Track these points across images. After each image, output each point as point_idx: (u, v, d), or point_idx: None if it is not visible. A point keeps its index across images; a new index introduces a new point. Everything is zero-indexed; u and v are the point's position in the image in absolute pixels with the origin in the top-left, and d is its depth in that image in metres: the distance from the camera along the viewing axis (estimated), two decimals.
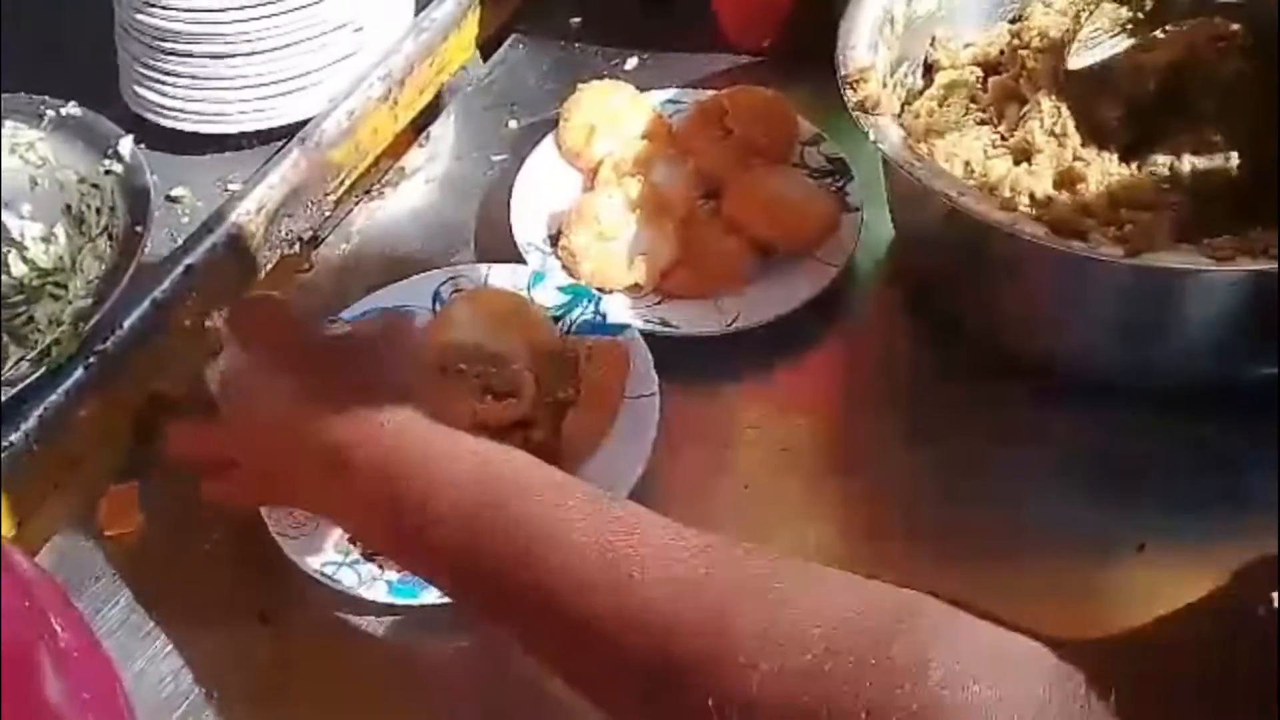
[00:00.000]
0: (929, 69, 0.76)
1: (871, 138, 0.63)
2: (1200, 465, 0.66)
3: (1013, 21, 0.77)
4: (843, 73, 0.66)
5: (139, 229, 0.73)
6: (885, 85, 0.69)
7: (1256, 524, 0.62)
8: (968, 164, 0.70)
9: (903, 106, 0.74)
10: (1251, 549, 0.61)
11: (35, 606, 0.46)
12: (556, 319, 0.72)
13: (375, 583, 0.61)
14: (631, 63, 0.93)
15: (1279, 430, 0.63)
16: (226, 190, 0.82)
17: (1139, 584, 0.62)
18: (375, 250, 0.81)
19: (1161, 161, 0.67)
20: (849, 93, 0.65)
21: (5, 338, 0.71)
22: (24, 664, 0.44)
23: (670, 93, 0.86)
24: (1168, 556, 0.62)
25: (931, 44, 0.77)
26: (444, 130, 0.90)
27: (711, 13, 0.92)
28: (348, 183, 0.85)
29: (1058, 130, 0.69)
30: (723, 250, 0.76)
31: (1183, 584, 0.60)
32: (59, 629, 0.46)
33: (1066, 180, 0.67)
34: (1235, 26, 0.72)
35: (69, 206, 0.77)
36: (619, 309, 0.72)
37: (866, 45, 0.69)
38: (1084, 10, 0.75)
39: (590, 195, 0.78)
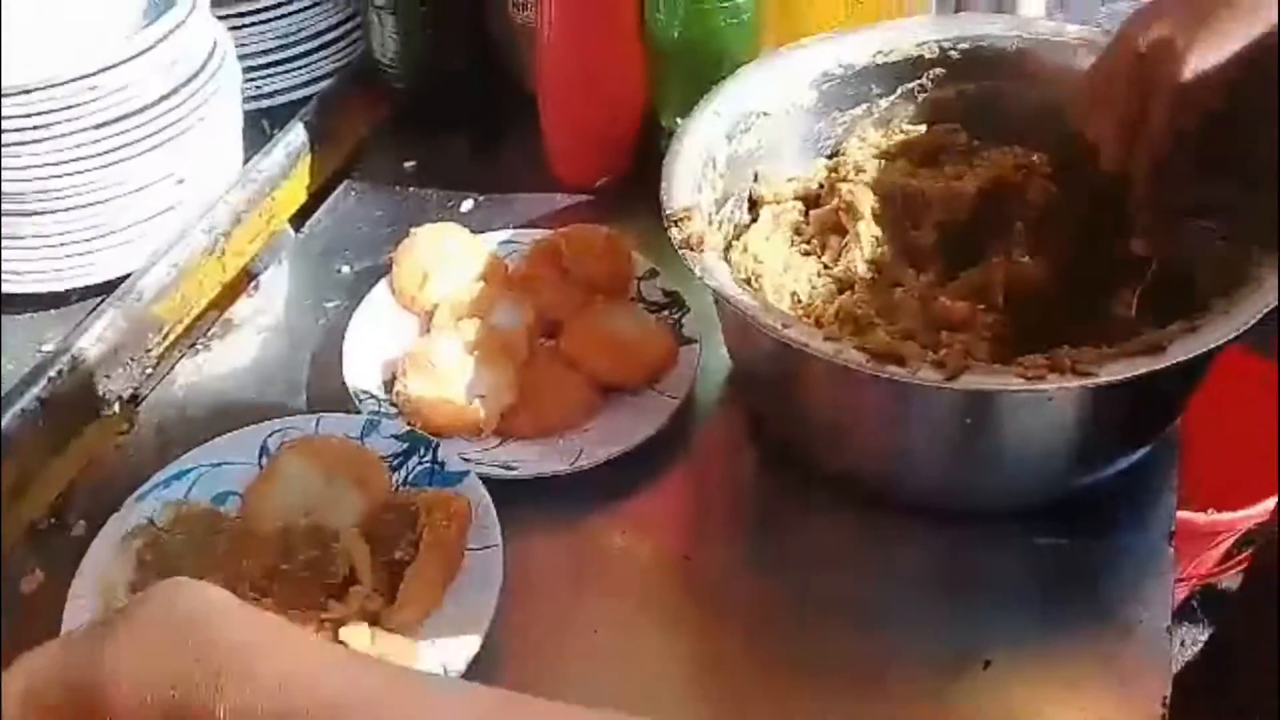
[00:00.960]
0: (753, 204, 0.78)
1: (698, 274, 0.64)
2: (1036, 575, 0.67)
3: (830, 156, 0.81)
4: (667, 212, 0.67)
5: None
6: (711, 223, 0.70)
7: (1098, 629, 0.64)
8: (794, 295, 0.71)
9: (730, 242, 0.75)
10: (1094, 654, 0.63)
11: None
12: (393, 469, 0.69)
13: None
14: (467, 205, 0.93)
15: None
16: (40, 351, 0.78)
17: (990, 700, 0.62)
18: (201, 406, 0.78)
19: (974, 282, 0.70)
20: (674, 231, 0.66)
21: None
22: None
23: (506, 233, 0.86)
24: (1014, 669, 0.63)
25: (755, 179, 0.79)
26: (275, 278, 0.88)
27: (544, 154, 0.93)
28: (172, 337, 0.82)
29: (877, 258, 0.72)
30: (564, 389, 0.75)
31: (1033, 696, 0.62)
32: None
33: (887, 307, 0.69)
34: (1035, 156, 0.76)
35: None
36: (458, 455, 0.70)
37: (690, 185, 0.70)
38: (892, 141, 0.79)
39: (426, 339, 0.77)
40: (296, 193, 0.93)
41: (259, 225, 0.89)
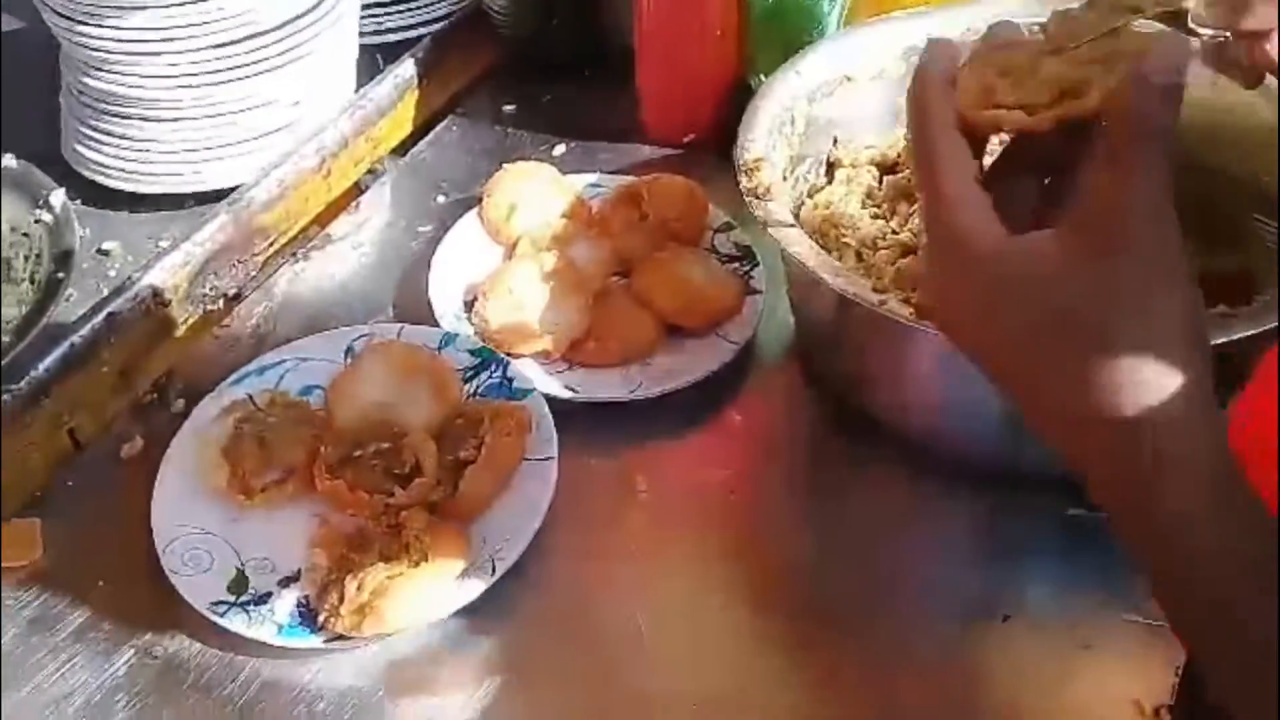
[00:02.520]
0: (830, 168, 0.81)
1: (760, 219, 0.67)
2: (1069, 545, 0.69)
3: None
4: (739, 161, 0.71)
5: (60, 275, 0.75)
6: (785, 179, 0.73)
7: (1119, 599, 0.66)
8: (859, 254, 0.74)
9: (802, 200, 0.78)
10: (1113, 621, 0.65)
11: None
12: (465, 380, 0.74)
13: (264, 624, 0.63)
14: (559, 149, 0.97)
15: None
16: (157, 247, 0.85)
17: (1006, 653, 0.64)
18: (295, 310, 0.84)
19: None
20: (743, 179, 0.69)
21: None
22: None
23: (593, 177, 0.90)
24: (1033, 627, 0.65)
25: (834, 144, 0.82)
26: (374, 201, 0.93)
27: (637, 107, 0.97)
28: (275, 246, 0.88)
29: None
30: (631, 324, 0.79)
31: (1049, 653, 0.64)
32: None
33: None
34: None
35: None
36: (526, 374, 0.75)
37: (766, 140, 0.73)
38: None
39: (507, 265, 0.81)
40: (402, 124, 0.98)
41: (364, 150, 0.94)
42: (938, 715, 0.62)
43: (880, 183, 0.80)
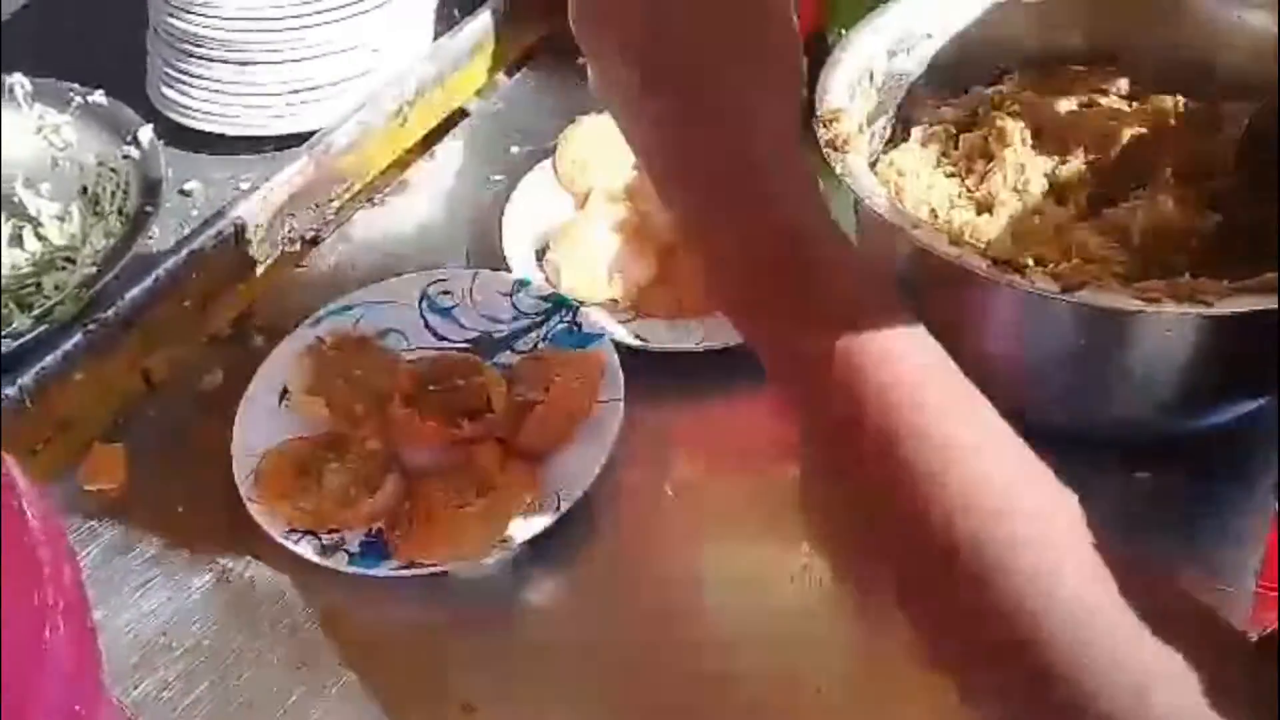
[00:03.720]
0: (905, 124, 0.81)
1: (838, 171, 0.67)
2: (1130, 506, 0.69)
3: (988, 86, 0.82)
4: (818, 112, 0.71)
5: (148, 209, 0.77)
6: (860, 131, 0.73)
7: (1181, 565, 0.65)
8: (933, 210, 0.74)
9: (877, 156, 0.78)
10: (1187, 586, 0.64)
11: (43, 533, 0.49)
12: (535, 325, 0.75)
13: (336, 553, 0.64)
14: None
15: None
16: (238, 188, 0.86)
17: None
18: (371, 254, 0.85)
19: (1113, 220, 0.71)
20: (821, 130, 0.69)
21: (10, 304, 0.74)
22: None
23: None
24: None
25: (911, 101, 0.81)
26: (450, 149, 0.94)
27: None
28: (353, 190, 0.89)
29: (1019, 185, 0.73)
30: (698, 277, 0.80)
31: None
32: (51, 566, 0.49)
33: (1021, 231, 0.71)
34: (1197, 104, 0.77)
35: (85, 188, 0.82)
36: (595, 321, 0.76)
37: (843, 91, 0.73)
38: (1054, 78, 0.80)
39: (579, 215, 0.82)
40: (478, 74, 0.99)
41: (441, 99, 0.95)
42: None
43: (956, 141, 0.80)
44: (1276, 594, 0.60)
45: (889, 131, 0.80)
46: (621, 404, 0.70)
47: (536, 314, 0.76)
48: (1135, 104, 0.79)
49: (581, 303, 0.77)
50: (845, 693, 0.61)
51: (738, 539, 0.68)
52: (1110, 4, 0.81)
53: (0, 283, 0.75)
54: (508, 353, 0.75)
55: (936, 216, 0.73)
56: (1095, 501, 0.69)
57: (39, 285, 0.76)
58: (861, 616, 0.65)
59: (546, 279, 0.79)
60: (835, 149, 0.68)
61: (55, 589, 0.45)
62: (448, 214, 0.89)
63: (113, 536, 0.68)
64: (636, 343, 0.75)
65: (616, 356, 0.72)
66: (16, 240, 0.80)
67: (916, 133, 0.80)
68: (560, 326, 0.75)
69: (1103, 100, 0.81)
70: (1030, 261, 0.62)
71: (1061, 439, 0.70)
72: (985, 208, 0.74)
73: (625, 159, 0.86)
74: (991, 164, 0.76)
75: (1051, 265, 0.62)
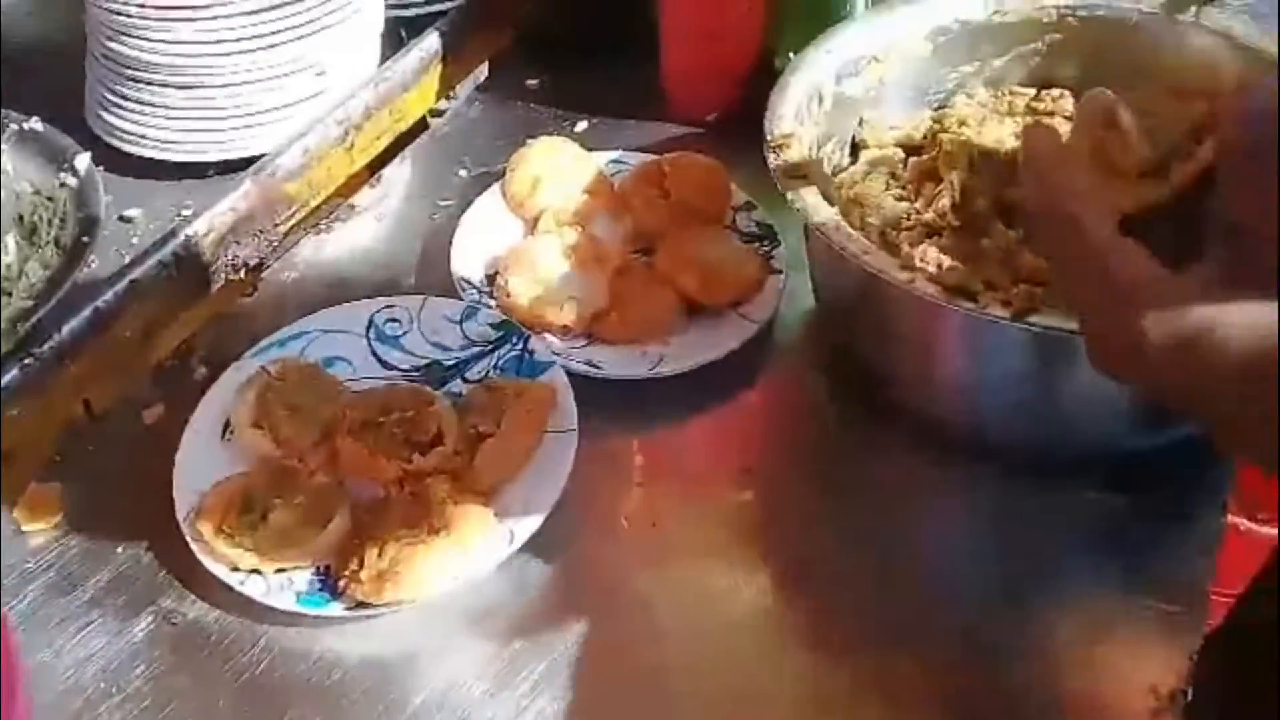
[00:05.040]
0: (855, 147, 0.81)
1: (789, 200, 0.67)
2: (1088, 530, 0.69)
3: (936, 109, 0.83)
4: (768, 138, 0.71)
5: (86, 240, 0.75)
6: (810, 155, 0.73)
7: (1141, 584, 0.66)
8: (883, 234, 0.74)
9: (828, 180, 0.78)
10: (1130, 611, 0.65)
11: None
12: (486, 354, 0.74)
13: (282, 591, 0.63)
14: (581, 125, 0.97)
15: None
16: (180, 215, 0.85)
17: (1025, 639, 0.64)
18: (318, 280, 0.84)
19: None
20: (771, 156, 0.69)
21: None
22: None
23: (615, 154, 0.90)
24: (1052, 613, 0.65)
25: (859, 124, 0.81)
26: (397, 174, 0.93)
27: (660, 85, 0.97)
28: (298, 216, 0.88)
29: (968, 208, 0.74)
30: (651, 301, 0.79)
31: (1062, 641, 0.64)
32: None
33: (972, 256, 0.71)
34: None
35: (21, 217, 0.79)
36: (546, 349, 0.75)
37: (793, 116, 0.73)
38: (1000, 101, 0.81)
39: (529, 240, 0.81)
40: (425, 97, 0.98)
41: (387, 123, 0.94)
42: (954, 699, 0.62)
43: (905, 164, 0.80)
44: (1231, 600, 0.60)
45: (839, 155, 0.80)
46: (575, 434, 0.69)
47: (487, 342, 0.75)
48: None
49: (532, 330, 0.76)
50: (800, 710, 0.61)
51: (691, 569, 0.68)
52: (1057, 28, 0.82)
53: None
54: (459, 381, 0.74)
55: (886, 240, 0.74)
56: (1047, 521, 0.70)
57: None
58: (817, 652, 0.64)
59: (498, 305, 0.78)
60: (787, 175, 0.68)
61: None
62: (395, 239, 0.88)
63: (51, 578, 0.66)
64: (589, 370, 0.75)
65: (569, 385, 0.71)
66: None
67: (865, 155, 0.80)
68: (511, 354, 0.74)
69: (1047, 121, 0.81)
70: (981, 287, 0.62)
71: (1013, 460, 0.71)
72: (935, 230, 0.74)
73: (574, 181, 0.86)
74: (940, 186, 0.76)
75: (1002, 292, 0.62)
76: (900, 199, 0.78)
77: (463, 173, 0.93)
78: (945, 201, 0.74)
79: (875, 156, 0.80)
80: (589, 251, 0.79)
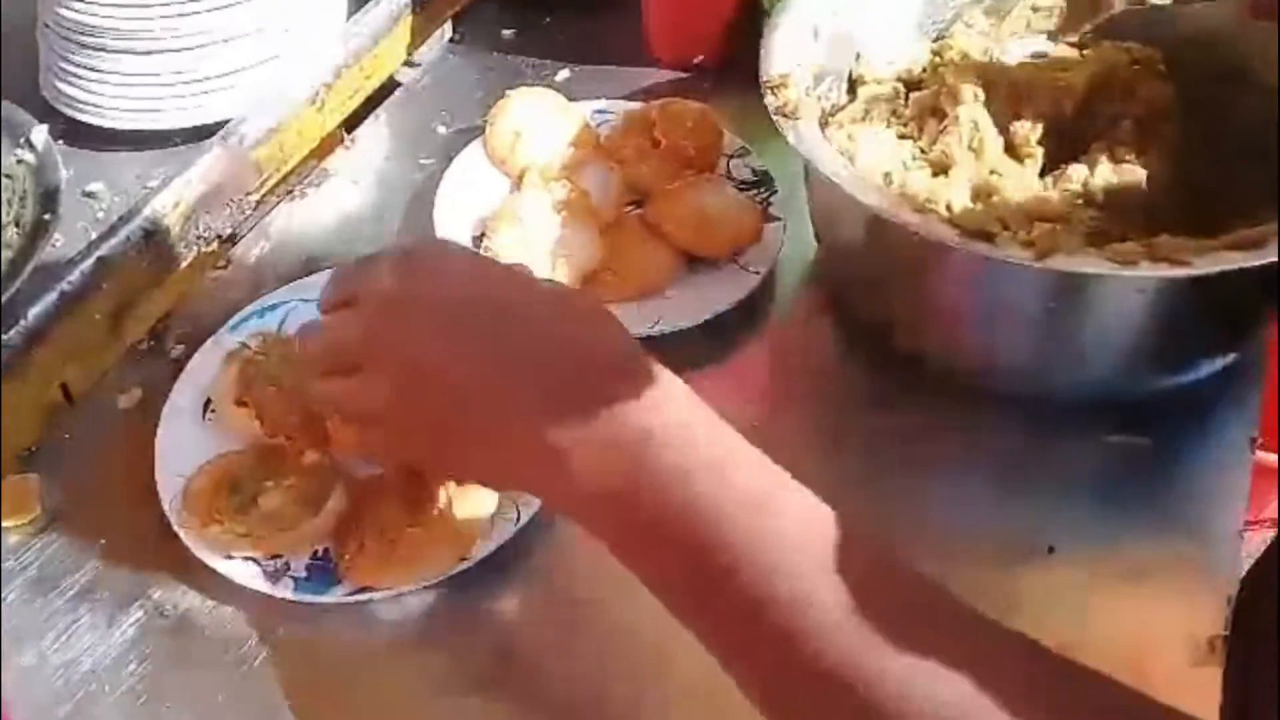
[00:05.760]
0: (852, 84, 0.77)
1: (790, 140, 0.63)
2: (1112, 473, 0.67)
3: (935, 40, 0.79)
4: (764, 78, 0.67)
5: (48, 218, 0.71)
6: (807, 95, 0.70)
7: (1166, 526, 0.64)
8: (887, 175, 0.70)
9: (826, 119, 0.74)
10: (1160, 549, 0.63)
11: None
12: None
13: (280, 579, 0.60)
14: (563, 74, 0.93)
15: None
16: (146, 187, 0.81)
17: (1051, 584, 0.62)
18: (295, 249, 0.80)
19: (1076, 176, 0.68)
20: (769, 97, 0.65)
21: None
22: None
23: (600, 103, 0.86)
24: (1078, 557, 0.63)
25: (856, 60, 0.78)
26: (371, 134, 0.89)
27: (642, 29, 0.93)
28: (270, 182, 0.84)
29: (975, 144, 0.70)
30: (647, 255, 0.76)
31: (1095, 583, 0.62)
32: None
33: (982, 193, 0.68)
34: (1150, 50, 0.74)
35: None
36: None
37: (789, 54, 0.69)
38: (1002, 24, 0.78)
39: (515, 196, 0.78)
40: (396, 52, 0.93)
41: (358, 81, 0.90)
42: None
43: (905, 100, 0.76)
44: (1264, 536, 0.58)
45: (836, 93, 0.77)
46: None
47: None
48: (1085, 53, 0.77)
49: None
50: None
51: None
52: None
53: None
54: None
55: (891, 181, 0.70)
56: (1068, 467, 0.68)
57: None
58: None
59: None
60: (785, 115, 0.65)
61: None
62: (374, 202, 0.84)
63: (33, 575, 0.63)
64: None
65: None
66: None
67: (864, 92, 0.77)
68: None
69: (1052, 49, 0.78)
70: (998, 228, 0.59)
71: (1032, 404, 0.69)
72: (941, 169, 0.71)
73: (559, 133, 0.82)
74: (944, 123, 0.73)
75: (1020, 231, 0.59)
76: (903, 136, 0.74)
77: (441, 129, 0.89)
78: (952, 138, 0.70)
79: (874, 93, 0.76)
80: (579, 206, 0.76)
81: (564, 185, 0.77)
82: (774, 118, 0.64)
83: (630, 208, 0.79)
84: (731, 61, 0.92)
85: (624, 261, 0.75)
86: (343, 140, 0.88)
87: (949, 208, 0.67)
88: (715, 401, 0.71)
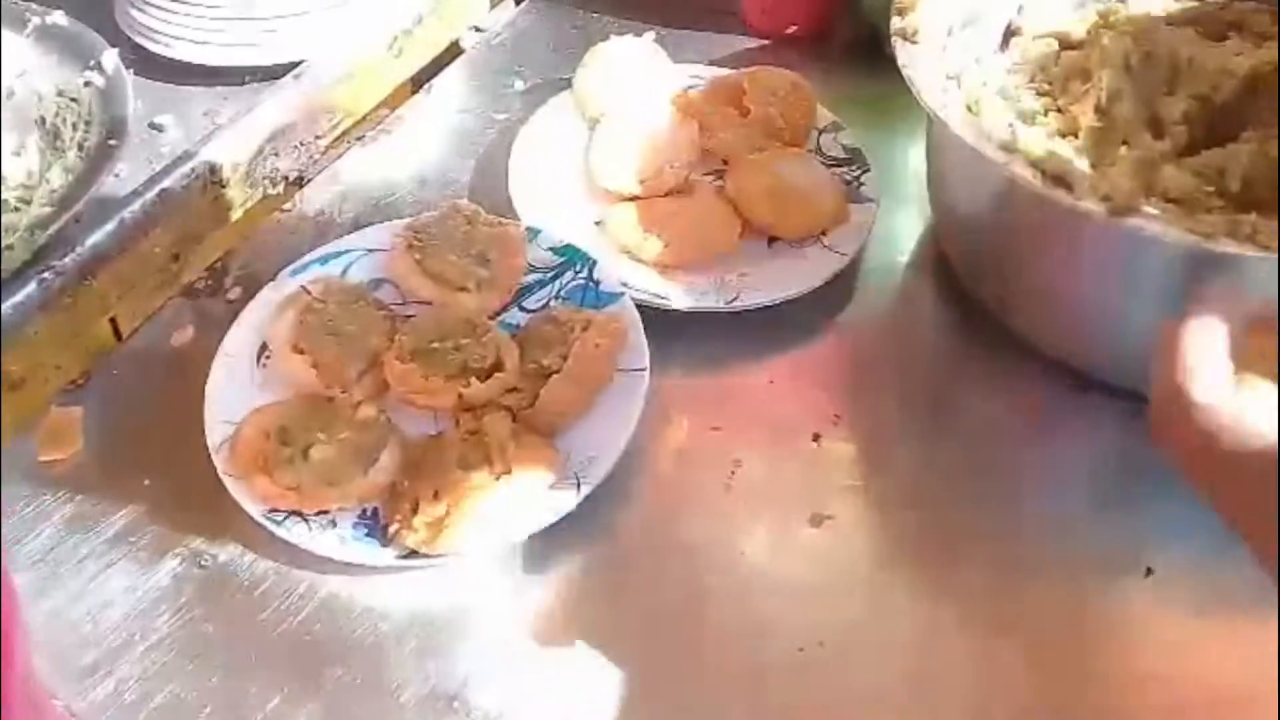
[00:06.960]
0: (1007, 37, 0.72)
1: (901, 63, 0.59)
2: None
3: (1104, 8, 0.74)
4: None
5: (112, 144, 0.68)
6: (950, 35, 0.66)
7: None
8: (1010, 125, 0.65)
9: (966, 67, 0.70)
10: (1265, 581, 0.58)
11: None
12: (546, 282, 0.67)
13: (325, 534, 0.57)
14: (648, 37, 0.89)
15: None
16: (214, 123, 0.78)
17: (1146, 612, 0.58)
18: (362, 197, 0.77)
19: (1212, 161, 0.63)
20: (895, 19, 0.62)
21: None
22: None
23: (688, 67, 0.82)
24: (1176, 581, 0.58)
25: (1019, 11, 0.73)
26: (448, 84, 0.86)
27: None
28: (342, 127, 0.81)
29: (1112, 110, 0.66)
30: (715, 224, 0.72)
31: (1192, 614, 0.57)
32: None
33: (1103, 160, 0.63)
34: None
35: (43, 119, 0.73)
36: (614, 277, 0.68)
37: None
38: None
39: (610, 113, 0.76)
40: (478, 3, 0.90)
41: (438, 30, 0.87)
42: (1062, 681, 0.55)
43: (1057, 59, 0.71)
44: None
45: (982, 42, 0.72)
46: (646, 373, 0.62)
47: (548, 268, 0.68)
48: (1267, 44, 0.71)
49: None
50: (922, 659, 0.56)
51: (776, 519, 0.61)
52: None
53: None
54: (515, 310, 0.67)
55: (1013, 131, 0.65)
56: (1176, 479, 0.62)
57: None
58: (915, 614, 0.58)
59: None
60: (905, 38, 0.61)
61: None
62: (446, 154, 0.80)
63: (69, 513, 0.60)
64: (660, 302, 0.68)
65: (639, 320, 0.64)
66: None
67: (1016, 44, 0.72)
68: (575, 283, 0.67)
69: (1232, 35, 0.72)
70: (1079, 177, 0.55)
71: (1137, 404, 0.64)
72: (1069, 130, 0.66)
73: (648, 90, 0.78)
74: (1087, 85, 0.68)
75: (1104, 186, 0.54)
76: (1043, 94, 0.69)
77: (519, 84, 0.86)
78: (1089, 100, 0.66)
79: (1027, 47, 0.71)
80: (685, 103, 0.76)
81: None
82: (892, 39, 0.61)
83: (710, 177, 0.75)
84: (824, 34, 0.88)
85: (701, 231, 0.71)
86: (418, 90, 0.85)
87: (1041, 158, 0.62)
88: (795, 387, 0.68)
